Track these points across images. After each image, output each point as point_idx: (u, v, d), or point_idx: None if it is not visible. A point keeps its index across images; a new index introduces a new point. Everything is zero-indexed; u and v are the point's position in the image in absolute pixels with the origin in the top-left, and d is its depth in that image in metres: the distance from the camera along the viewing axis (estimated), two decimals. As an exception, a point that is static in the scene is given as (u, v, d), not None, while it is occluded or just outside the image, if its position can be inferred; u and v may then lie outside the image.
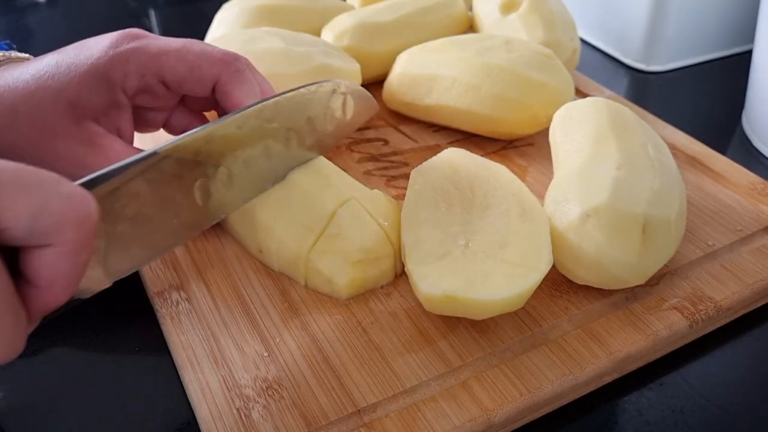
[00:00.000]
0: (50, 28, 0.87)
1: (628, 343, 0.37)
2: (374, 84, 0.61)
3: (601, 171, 0.41)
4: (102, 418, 0.36)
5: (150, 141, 0.53)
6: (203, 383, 0.36)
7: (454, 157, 0.45)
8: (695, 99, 0.68)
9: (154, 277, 0.43)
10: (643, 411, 0.37)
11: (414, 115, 0.57)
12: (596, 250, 0.38)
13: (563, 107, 0.48)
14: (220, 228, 0.46)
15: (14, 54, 0.43)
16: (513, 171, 0.45)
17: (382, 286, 0.42)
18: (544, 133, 0.51)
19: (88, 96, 0.39)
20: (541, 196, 0.43)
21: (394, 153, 0.55)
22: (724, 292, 0.41)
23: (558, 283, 0.41)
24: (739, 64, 0.69)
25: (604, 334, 0.38)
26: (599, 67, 0.73)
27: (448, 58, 0.54)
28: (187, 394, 0.36)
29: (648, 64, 0.71)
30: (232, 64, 0.41)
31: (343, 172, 0.44)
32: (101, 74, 0.39)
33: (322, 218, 0.40)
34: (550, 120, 0.49)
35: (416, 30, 0.62)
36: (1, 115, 0.38)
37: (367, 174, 0.52)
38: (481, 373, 0.36)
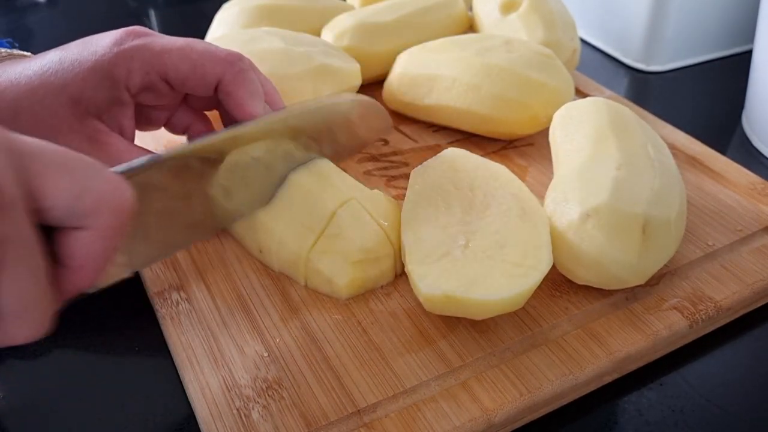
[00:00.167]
0: (50, 28, 0.87)
1: (628, 343, 0.37)
2: (374, 84, 0.61)
3: (601, 171, 0.41)
4: (102, 418, 0.36)
5: (150, 140, 0.53)
6: (203, 383, 0.36)
7: (454, 157, 0.45)
8: (695, 99, 0.68)
9: (154, 277, 0.43)
10: (643, 411, 0.37)
11: (414, 115, 0.57)
12: (596, 250, 0.38)
13: (563, 107, 0.48)
14: (220, 228, 0.46)
15: (16, 52, 0.43)
16: (513, 171, 0.45)
17: (382, 286, 0.42)
18: (544, 133, 0.51)
19: (91, 93, 0.39)
20: (541, 196, 0.43)
21: (394, 153, 0.55)
22: (724, 292, 0.41)
23: (558, 283, 0.41)
24: (739, 64, 0.69)
25: (604, 334, 0.38)
26: (599, 67, 0.73)
27: (448, 58, 0.54)
28: (187, 394, 0.36)
29: (648, 64, 0.71)
30: (235, 64, 0.41)
31: (343, 172, 0.44)
32: (105, 71, 0.39)
33: (322, 218, 0.40)
34: (550, 120, 0.49)
35: (416, 30, 0.62)
36: (3, 111, 0.38)
37: (367, 174, 0.52)
38: (481, 373, 0.36)
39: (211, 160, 0.38)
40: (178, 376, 0.38)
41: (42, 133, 0.39)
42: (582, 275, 0.39)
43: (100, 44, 0.40)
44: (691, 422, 0.36)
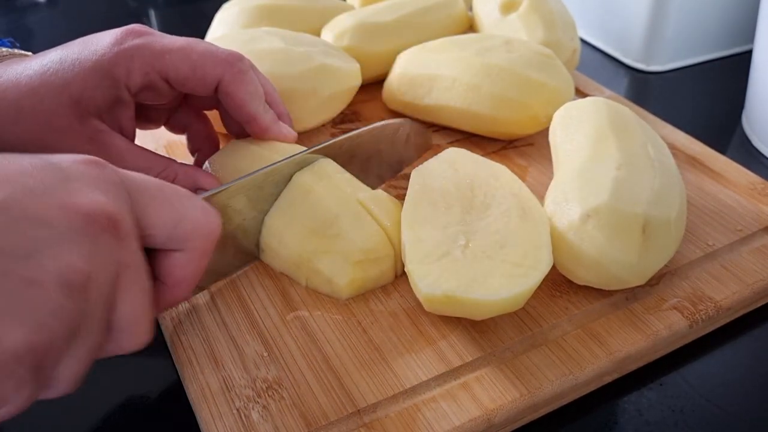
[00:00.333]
0: (50, 28, 0.87)
1: (628, 343, 0.37)
2: (374, 84, 0.61)
3: (601, 171, 0.41)
4: (102, 417, 0.36)
5: (150, 139, 0.53)
6: (203, 383, 0.36)
7: (454, 157, 0.45)
8: (695, 99, 0.68)
9: (154, 277, 0.43)
10: (643, 411, 0.37)
11: (414, 115, 0.57)
12: (596, 251, 0.38)
13: (563, 107, 0.48)
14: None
15: (17, 51, 0.43)
16: (513, 171, 0.45)
17: (382, 286, 0.42)
18: (544, 133, 0.51)
19: (92, 92, 0.39)
20: (541, 196, 0.43)
21: (394, 153, 0.55)
22: (724, 292, 0.41)
23: (558, 283, 0.41)
24: (739, 64, 0.69)
25: (604, 334, 0.38)
26: (599, 67, 0.73)
27: (448, 58, 0.54)
28: (187, 394, 0.36)
29: (648, 64, 0.71)
30: (235, 64, 0.41)
31: (346, 172, 0.44)
32: (105, 71, 0.39)
33: (323, 218, 0.40)
34: (550, 120, 0.49)
35: (416, 30, 0.62)
36: (5, 111, 0.38)
37: (367, 174, 0.52)
38: (481, 373, 0.36)
39: (280, 183, 0.42)
40: (178, 376, 0.38)
41: (44, 133, 0.39)
42: (582, 275, 0.39)
43: (100, 44, 0.40)
44: (691, 422, 0.36)
